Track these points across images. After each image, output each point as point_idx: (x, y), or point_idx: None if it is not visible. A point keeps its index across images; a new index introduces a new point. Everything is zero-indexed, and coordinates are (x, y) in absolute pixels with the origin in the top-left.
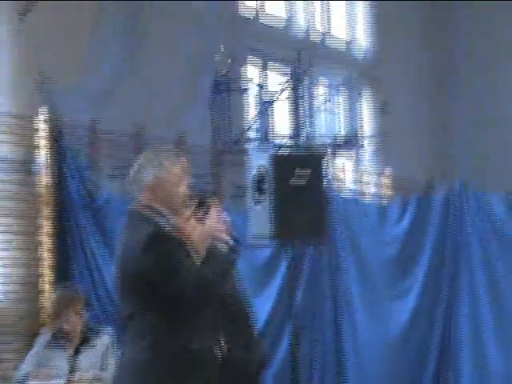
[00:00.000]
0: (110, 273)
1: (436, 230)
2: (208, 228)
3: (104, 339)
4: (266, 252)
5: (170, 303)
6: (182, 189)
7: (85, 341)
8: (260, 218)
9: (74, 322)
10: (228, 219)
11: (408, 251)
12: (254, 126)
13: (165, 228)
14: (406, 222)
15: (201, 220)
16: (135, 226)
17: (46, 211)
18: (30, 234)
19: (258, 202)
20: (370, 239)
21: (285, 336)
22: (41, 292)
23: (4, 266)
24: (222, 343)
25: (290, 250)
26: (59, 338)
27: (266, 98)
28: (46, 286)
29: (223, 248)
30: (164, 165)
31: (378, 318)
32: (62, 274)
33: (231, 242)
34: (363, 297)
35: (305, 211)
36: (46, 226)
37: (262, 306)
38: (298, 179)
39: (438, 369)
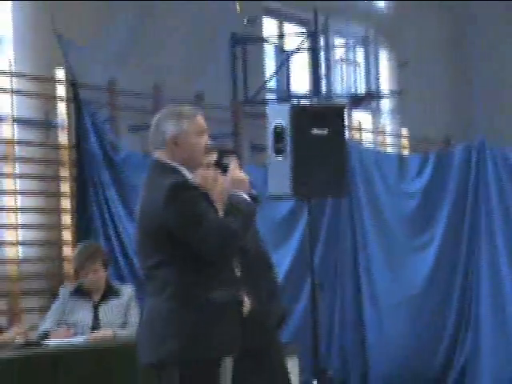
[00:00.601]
0: (131, 228)
1: (456, 184)
2: (229, 180)
3: (126, 293)
4: (286, 207)
5: (192, 254)
6: (203, 141)
7: (107, 295)
8: (279, 172)
9: (97, 276)
10: (247, 175)
11: (428, 204)
12: (273, 82)
13: (187, 179)
14: (426, 176)
15: (222, 173)
16: (158, 177)
17: (66, 171)
18: (50, 195)
19: (277, 156)
20: (390, 192)
21: (304, 290)
22: (61, 252)
23: (25, 226)
24: (243, 295)
25: (309, 204)
26: (81, 292)
27: (284, 54)
28: (67, 246)
29: (244, 200)
30: (185, 117)
31: (398, 272)
32: (83, 232)
33: (251, 194)
34: (383, 251)
35: (324, 165)
36: (66, 186)
37: (282, 261)
38: (318, 132)
39: (458, 322)
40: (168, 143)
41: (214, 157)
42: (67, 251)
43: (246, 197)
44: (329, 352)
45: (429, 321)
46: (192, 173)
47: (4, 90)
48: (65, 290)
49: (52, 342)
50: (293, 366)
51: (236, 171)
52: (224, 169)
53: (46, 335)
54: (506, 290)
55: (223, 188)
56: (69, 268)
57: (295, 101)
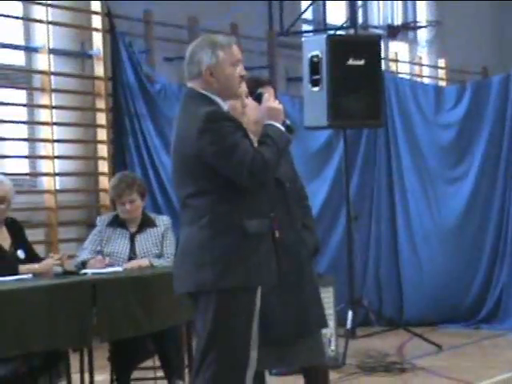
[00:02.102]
0: (166, 160)
1: (493, 115)
2: (263, 110)
3: (162, 224)
4: (322, 137)
5: (227, 183)
6: (238, 71)
7: (143, 225)
8: (315, 103)
9: (134, 207)
10: (282, 106)
11: (465, 136)
12: (309, 13)
13: (222, 109)
14: (463, 107)
15: (257, 102)
16: (192, 106)
17: (102, 102)
18: (86, 126)
19: (313, 87)
20: (426, 124)
21: (340, 221)
22: (98, 183)
23: (61, 157)
24: (278, 224)
25: (345, 135)
26: (118, 223)
27: None
28: (103, 177)
29: (278, 130)
30: (220, 47)
31: (433, 204)
32: (119, 163)
33: (286, 124)
34: (418, 182)
35: (361, 95)
36: (102, 117)
37: (317, 192)
38: (355, 62)
39: (492, 255)
40: (203, 73)
41: (250, 84)
42: (103, 182)
43: (281, 127)
44: (364, 283)
45: (463, 254)
46: (227, 103)
47: (40, 21)
48: (102, 220)
49: (90, 271)
50: (328, 296)
51: (271, 101)
52: (259, 99)
53: (83, 264)
54: None
55: (257, 118)
56: (105, 198)
57: (331, 32)
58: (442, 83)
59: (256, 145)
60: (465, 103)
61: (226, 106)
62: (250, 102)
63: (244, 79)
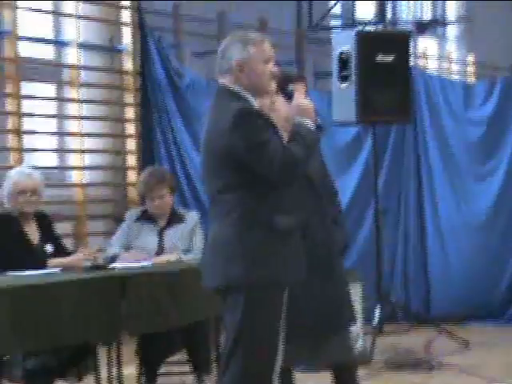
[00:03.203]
0: (194, 154)
1: None
2: (294, 107)
3: (191, 219)
4: (350, 133)
5: (257, 179)
6: (269, 68)
7: (172, 220)
8: (344, 98)
9: (163, 202)
10: (312, 103)
11: (493, 132)
12: (338, 8)
13: (254, 105)
14: (492, 103)
15: (288, 100)
16: (223, 102)
17: (131, 96)
18: (115, 121)
19: (342, 83)
20: (455, 120)
21: (368, 216)
22: (126, 177)
23: (90, 151)
24: (308, 221)
25: (374, 131)
26: (147, 217)
27: None
28: (131, 171)
29: (308, 128)
30: (251, 44)
31: (462, 200)
32: (147, 158)
33: (317, 122)
34: (447, 178)
35: (389, 91)
36: (131, 111)
37: (346, 187)
38: (384, 58)
39: None
40: (234, 69)
41: (280, 81)
42: (131, 176)
43: (311, 125)
44: (391, 279)
45: (492, 251)
46: (257, 99)
47: (70, 15)
48: (131, 215)
49: (119, 265)
50: (356, 292)
51: (301, 98)
52: (289, 96)
53: (113, 259)
54: None
55: (288, 115)
56: (133, 193)
57: (360, 27)
58: (471, 79)
59: (286, 142)
60: (494, 99)
61: (256, 102)
62: (280, 98)
63: (275, 76)
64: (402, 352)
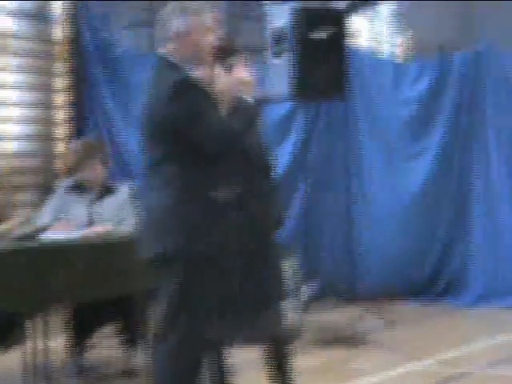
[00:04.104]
0: (124, 126)
1: (453, 92)
2: (234, 80)
3: (123, 191)
4: (283, 109)
5: (194, 151)
6: (209, 39)
7: (104, 192)
8: (278, 74)
9: (94, 173)
10: (254, 74)
11: (425, 112)
12: None
13: (192, 77)
14: (423, 83)
15: (227, 72)
16: (163, 73)
17: (61, 66)
18: (44, 90)
19: (276, 58)
20: (387, 99)
21: (298, 193)
22: (55, 147)
23: (18, 122)
24: (244, 194)
25: (306, 107)
26: (78, 188)
27: None
28: (60, 141)
29: (248, 101)
30: (191, 13)
31: (391, 180)
32: (77, 128)
33: (257, 95)
34: (377, 157)
35: (323, 68)
36: (61, 81)
37: (277, 162)
38: (318, 34)
39: (449, 233)
40: (173, 39)
41: (221, 52)
42: (60, 146)
43: (249, 99)
44: (319, 256)
45: (421, 228)
46: (196, 70)
47: None
48: (61, 186)
49: (48, 235)
50: (288, 267)
51: (241, 72)
52: (229, 68)
53: (43, 229)
54: (500, 208)
55: (227, 88)
56: (62, 163)
57: (295, 2)
58: (403, 59)
59: (224, 115)
60: (425, 79)
61: (195, 73)
62: (219, 70)
63: (215, 47)
64: (328, 328)
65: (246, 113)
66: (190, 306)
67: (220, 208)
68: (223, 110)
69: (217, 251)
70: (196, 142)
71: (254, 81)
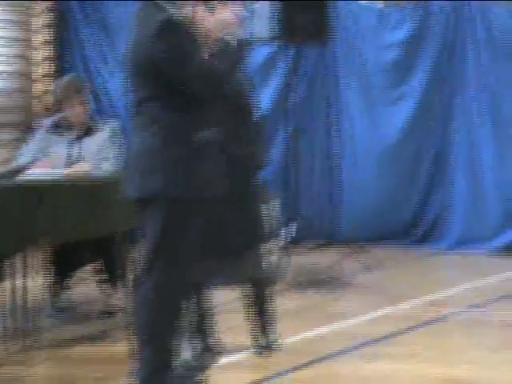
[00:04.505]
0: (106, 66)
1: (437, 38)
2: (219, 20)
3: (105, 129)
4: (266, 51)
5: (178, 92)
6: None
7: (86, 130)
8: (261, 16)
9: (76, 111)
10: (239, 15)
11: (407, 57)
12: None
13: (177, 17)
14: (405, 28)
15: (212, 13)
16: (147, 13)
17: (44, 4)
18: (25, 28)
19: (259, 1)
20: (369, 44)
21: (280, 136)
22: (35, 85)
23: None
24: (227, 136)
25: (290, 50)
26: (60, 127)
27: None
28: (41, 80)
29: (234, 42)
30: None
31: (374, 124)
32: (59, 66)
33: (242, 37)
34: (359, 101)
35: (308, 12)
36: (43, 20)
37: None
38: None
39: (431, 176)
40: None
41: None
42: (42, 85)
43: (233, 40)
44: (301, 198)
45: (402, 173)
46: (180, 11)
47: None
48: (44, 124)
49: (30, 174)
50: (272, 207)
51: (225, 12)
52: (213, 9)
53: (24, 168)
54: (481, 155)
55: (212, 28)
56: (43, 102)
57: None
58: (384, 3)
59: (208, 55)
60: (407, 25)
61: (179, 13)
62: (204, 12)
63: None
64: (307, 271)
65: (231, 54)
66: (168, 251)
67: (202, 150)
68: (207, 50)
69: (199, 193)
70: (180, 83)
71: (239, 22)
